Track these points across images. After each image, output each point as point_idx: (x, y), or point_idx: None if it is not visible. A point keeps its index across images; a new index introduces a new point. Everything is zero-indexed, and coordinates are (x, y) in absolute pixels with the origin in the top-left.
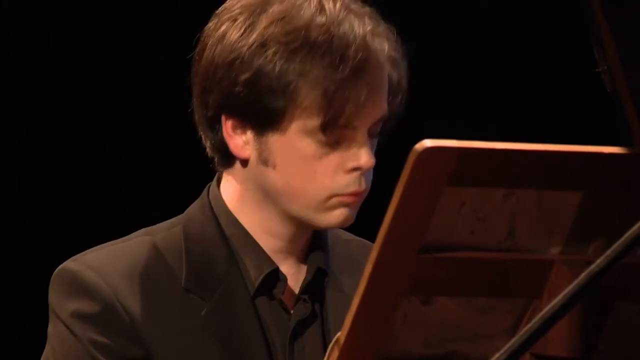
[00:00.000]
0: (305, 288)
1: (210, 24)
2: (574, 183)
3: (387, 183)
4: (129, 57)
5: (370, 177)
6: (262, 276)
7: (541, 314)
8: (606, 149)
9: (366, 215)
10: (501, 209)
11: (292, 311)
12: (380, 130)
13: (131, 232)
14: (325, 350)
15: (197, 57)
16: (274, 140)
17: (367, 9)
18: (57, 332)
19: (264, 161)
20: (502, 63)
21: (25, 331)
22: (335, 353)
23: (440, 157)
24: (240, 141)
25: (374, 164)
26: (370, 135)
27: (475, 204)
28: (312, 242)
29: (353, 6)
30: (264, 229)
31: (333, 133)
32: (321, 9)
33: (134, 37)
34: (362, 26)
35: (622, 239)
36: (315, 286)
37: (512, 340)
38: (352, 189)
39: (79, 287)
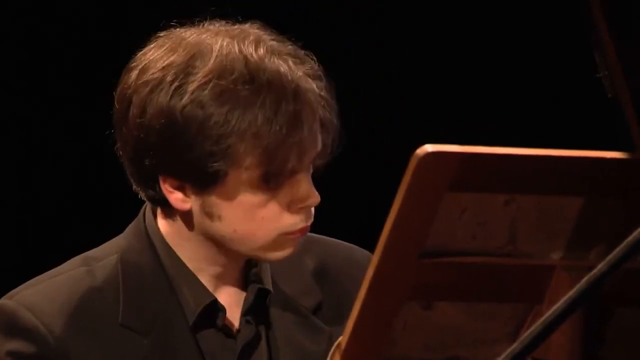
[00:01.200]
0: (247, 310)
1: (131, 77)
2: (575, 188)
3: (388, 188)
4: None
5: (314, 209)
6: (199, 308)
7: (542, 319)
8: (607, 154)
9: (367, 220)
10: (502, 215)
11: (236, 336)
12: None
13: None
14: None
15: (120, 116)
16: (216, 196)
17: (290, 46)
18: None
19: (208, 214)
20: (503, 68)
21: None
22: (337, 357)
23: (442, 162)
24: (181, 196)
25: (319, 200)
26: (308, 171)
27: (476, 209)
28: (249, 261)
29: (276, 47)
30: (201, 260)
31: (276, 182)
32: (246, 61)
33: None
34: (289, 72)
35: (623, 244)
36: (257, 306)
37: (513, 346)
38: (300, 226)
39: (15, 328)
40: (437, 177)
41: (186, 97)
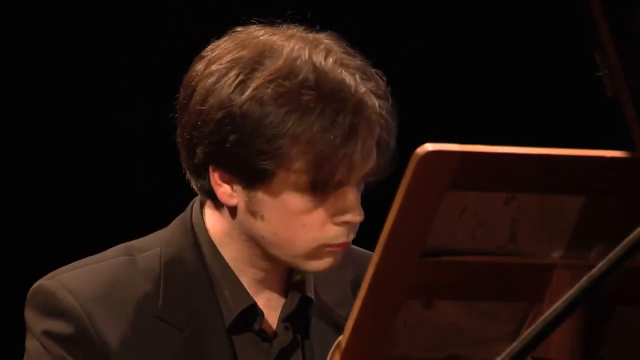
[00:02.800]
0: (287, 316)
1: (198, 68)
2: (576, 187)
3: (388, 187)
4: (130, 61)
5: (357, 225)
6: (238, 311)
7: (542, 318)
8: (607, 153)
9: (368, 219)
10: (503, 214)
11: (273, 340)
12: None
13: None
14: None
15: (184, 102)
16: (262, 194)
17: (359, 61)
18: (33, 347)
19: (252, 212)
20: (504, 67)
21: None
22: (337, 357)
23: (442, 161)
24: (228, 190)
25: (363, 218)
26: (358, 185)
27: (476, 209)
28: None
29: (346, 60)
30: (245, 261)
31: (323, 191)
32: (314, 67)
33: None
34: (354, 85)
35: (624, 243)
36: (297, 313)
37: (514, 345)
38: (341, 240)
39: (54, 308)
40: (437, 176)
41: (248, 92)
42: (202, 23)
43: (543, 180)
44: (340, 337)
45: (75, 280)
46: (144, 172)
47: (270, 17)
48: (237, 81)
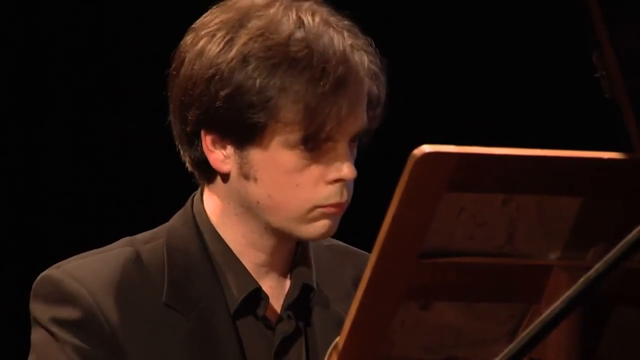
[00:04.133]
0: (290, 304)
1: (187, 39)
2: (573, 189)
3: (386, 188)
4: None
5: (352, 188)
6: (243, 295)
7: (540, 319)
8: (605, 154)
9: (365, 221)
10: (500, 215)
11: (275, 328)
12: (360, 141)
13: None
14: None
15: (174, 72)
16: (255, 154)
17: (346, 22)
18: (39, 338)
19: (245, 175)
20: (502, 68)
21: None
22: (334, 358)
23: (439, 162)
24: (221, 155)
25: (355, 175)
26: (351, 146)
27: (474, 210)
28: (295, 255)
29: (332, 20)
30: (246, 243)
31: (314, 146)
32: (300, 23)
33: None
34: (341, 40)
35: (621, 244)
36: (299, 302)
37: (511, 346)
38: (334, 200)
39: (61, 295)
40: (434, 177)
41: (235, 48)
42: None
43: (540, 181)
44: (337, 339)
45: (81, 269)
46: (144, 170)
47: None
48: (224, 40)
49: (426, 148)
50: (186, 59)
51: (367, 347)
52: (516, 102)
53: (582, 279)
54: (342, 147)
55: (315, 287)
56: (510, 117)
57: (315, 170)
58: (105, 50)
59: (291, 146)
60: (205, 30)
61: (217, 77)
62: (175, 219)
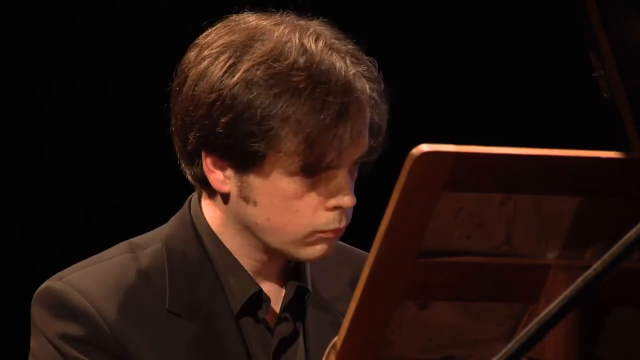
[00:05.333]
0: (286, 307)
1: (191, 55)
2: (571, 188)
3: (384, 187)
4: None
5: (351, 212)
6: (245, 297)
7: (538, 318)
8: (603, 153)
9: (363, 220)
10: (498, 214)
11: (274, 330)
12: (362, 166)
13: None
14: None
15: (176, 89)
16: (254, 179)
17: (350, 46)
18: (43, 350)
19: (245, 197)
20: (499, 68)
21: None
22: (332, 357)
23: (437, 161)
24: (221, 176)
25: (354, 203)
26: (352, 169)
27: (472, 209)
28: (291, 260)
29: (336, 44)
30: (243, 253)
31: (314, 174)
32: (304, 50)
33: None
34: (344, 68)
35: (619, 243)
36: (296, 304)
37: (509, 345)
38: (333, 226)
39: (65, 309)
40: (432, 176)
41: (238, 74)
42: (198, 14)
43: (538, 180)
44: (335, 338)
45: (82, 280)
46: (142, 170)
47: (264, 6)
48: (227, 64)
49: (424, 147)
50: (189, 78)
51: (365, 347)
52: (514, 102)
53: (580, 279)
54: (343, 174)
55: (309, 288)
56: (509, 116)
57: (314, 196)
58: (100, 51)
59: (291, 174)
60: (209, 51)
61: (218, 102)
62: (173, 222)
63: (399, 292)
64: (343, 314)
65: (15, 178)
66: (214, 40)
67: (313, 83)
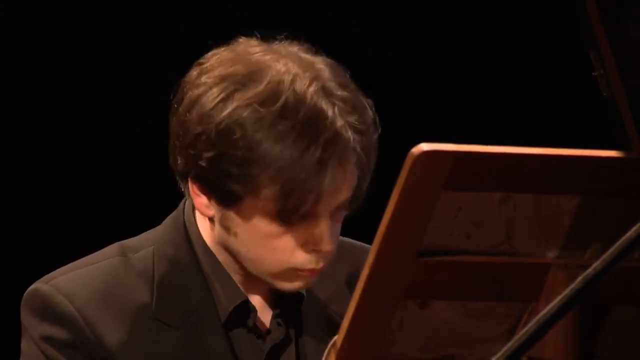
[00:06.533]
0: (278, 314)
1: (192, 75)
2: (571, 187)
3: (384, 186)
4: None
5: (331, 253)
6: (232, 307)
7: (537, 317)
8: (603, 153)
9: (363, 219)
10: (498, 213)
11: (266, 336)
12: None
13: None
14: None
15: (174, 106)
16: (234, 214)
17: (346, 92)
18: (31, 351)
19: (226, 227)
20: (499, 67)
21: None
22: (332, 356)
23: (437, 161)
24: (205, 201)
25: (334, 249)
26: (336, 216)
27: (472, 208)
28: None
29: (331, 89)
30: (232, 266)
31: (291, 220)
32: (294, 94)
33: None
34: (332, 117)
35: (619, 242)
36: (289, 309)
37: (509, 344)
38: (310, 266)
39: (51, 313)
40: (432, 176)
41: (226, 112)
42: (204, 30)
43: (538, 180)
44: (335, 337)
45: (70, 283)
46: (143, 170)
47: (276, 29)
48: (219, 98)
49: (424, 146)
50: (184, 100)
51: (365, 346)
52: (514, 101)
53: (580, 278)
54: (324, 221)
55: (304, 293)
56: (508, 116)
57: (292, 238)
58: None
59: (269, 216)
60: (207, 78)
61: (204, 136)
62: (166, 225)
63: (399, 291)
64: (339, 314)
65: (15, 178)
66: (214, 67)
67: (297, 132)
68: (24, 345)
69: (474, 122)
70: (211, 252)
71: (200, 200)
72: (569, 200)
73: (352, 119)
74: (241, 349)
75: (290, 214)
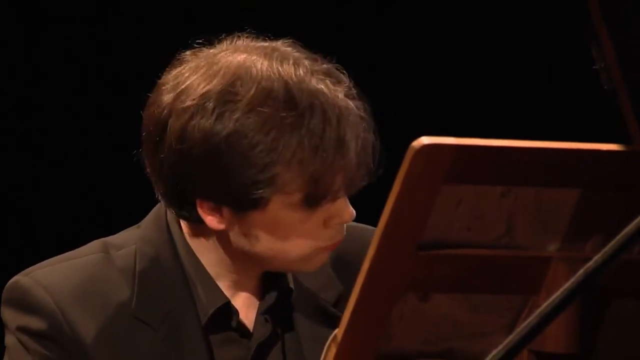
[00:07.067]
0: (266, 309)
1: (164, 100)
2: (572, 180)
3: (385, 180)
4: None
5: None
6: (212, 310)
7: (539, 310)
8: (604, 146)
9: (364, 212)
10: (498, 207)
11: (252, 335)
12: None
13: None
14: None
15: (156, 138)
16: (255, 216)
17: (325, 65)
18: (11, 343)
19: (244, 233)
20: (500, 61)
21: None
22: (333, 350)
23: (438, 154)
24: (217, 217)
25: (355, 215)
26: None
27: (472, 202)
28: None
29: (314, 67)
30: (223, 268)
31: (318, 204)
32: (287, 85)
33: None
34: (330, 94)
35: (620, 236)
36: (277, 306)
37: (510, 337)
38: (336, 239)
39: (28, 304)
40: (433, 169)
41: (230, 125)
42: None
43: (539, 173)
44: (336, 330)
45: (50, 276)
46: (137, 170)
47: (276, 30)
48: (215, 115)
49: (425, 140)
50: (170, 128)
51: (366, 339)
52: (515, 95)
53: (581, 271)
54: (342, 196)
55: (292, 287)
56: (509, 109)
57: (315, 219)
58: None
59: (294, 207)
60: (190, 101)
61: (212, 154)
62: (149, 225)
63: (400, 284)
64: (329, 302)
65: (15, 178)
66: (192, 88)
67: (306, 119)
68: (6, 339)
69: (475, 116)
70: (193, 253)
71: (212, 218)
72: (570, 194)
73: (343, 88)
74: (221, 350)
75: (319, 199)
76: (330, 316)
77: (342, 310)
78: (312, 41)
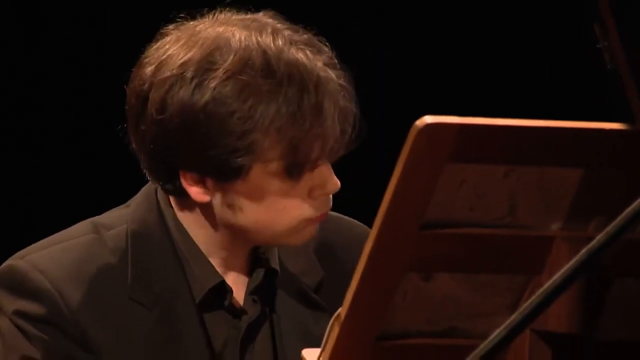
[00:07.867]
0: (253, 291)
1: (146, 72)
2: (575, 160)
3: (388, 159)
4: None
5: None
6: (207, 288)
7: (541, 290)
8: (607, 125)
9: (367, 192)
10: (501, 186)
11: (242, 314)
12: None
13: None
14: (275, 352)
15: (137, 111)
16: (238, 186)
17: (305, 35)
18: (5, 328)
19: (229, 205)
20: (502, 41)
21: None
22: (336, 329)
23: (441, 133)
24: (201, 189)
25: (339, 186)
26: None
27: (475, 181)
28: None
29: (294, 37)
30: (214, 245)
31: (300, 173)
32: (266, 54)
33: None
34: (308, 63)
35: (622, 215)
36: (265, 287)
37: (513, 316)
38: (322, 210)
39: (26, 289)
40: (436, 148)
41: (208, 93)
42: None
43: (542, 152)
44: (340, 309)
45: (45, 260)
46: (137, 170)
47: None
48: (193, 84)
49: (428, 119)
50: (150, 100)
51: (368, 318)
52: (518, 74)
53: (583, 250)
54: (324, 164)
55: (278, 268)
56: (512, 88)
57: (300, 190)
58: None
59: (276, 177)
60: (170, 71)
61: (191, 123)
62: (139, 204)
63: (402, 264)
64: (310, 286)
65: (15, 178)
66: (171, 58)
67: (284, 87)
68: (1, 324)
69: (478, 95)
70: (186, 232)
71: (195, 189)
72: (573, 173)
73: (323, 57)
74: (215, 329)
75: (299, 168)
76: (309, 300)
77: (322, 297)
78: (309, 25)
